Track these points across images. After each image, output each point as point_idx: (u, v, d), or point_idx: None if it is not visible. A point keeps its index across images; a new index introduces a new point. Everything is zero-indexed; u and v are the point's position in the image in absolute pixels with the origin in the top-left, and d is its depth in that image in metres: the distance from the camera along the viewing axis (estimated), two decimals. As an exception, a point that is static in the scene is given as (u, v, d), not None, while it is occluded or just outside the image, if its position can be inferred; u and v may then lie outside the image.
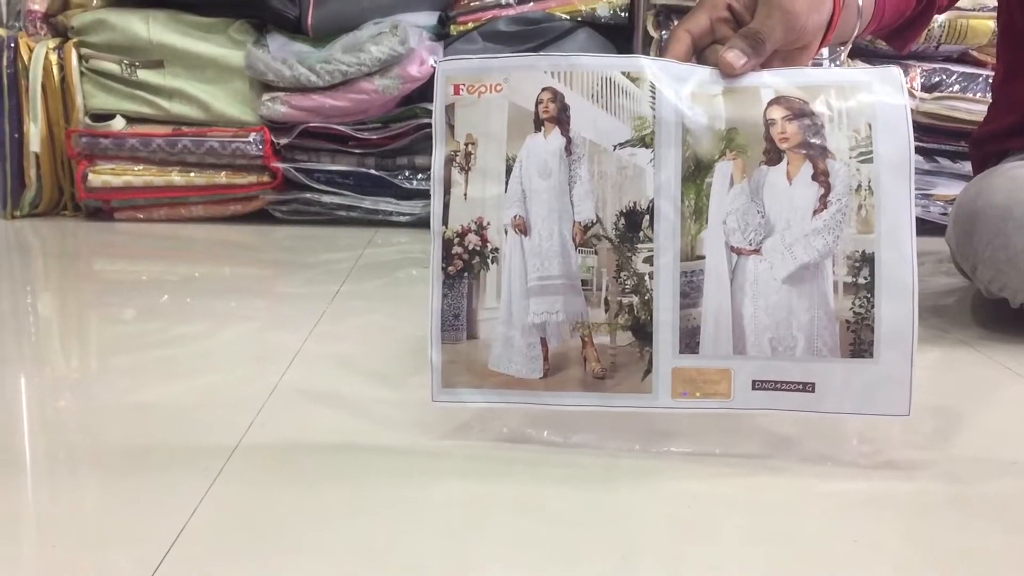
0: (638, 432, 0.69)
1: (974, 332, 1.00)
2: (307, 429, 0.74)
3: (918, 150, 1.68)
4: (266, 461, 0.67)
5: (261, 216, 1.69)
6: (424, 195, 1.65)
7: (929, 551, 0.55)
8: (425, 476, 0.65)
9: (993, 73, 1.29)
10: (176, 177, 1.65)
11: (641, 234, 0.66)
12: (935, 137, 1.68)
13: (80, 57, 1.67)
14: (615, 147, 0.66)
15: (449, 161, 0.68)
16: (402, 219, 1.66)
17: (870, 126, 0.64)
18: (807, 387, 0.64)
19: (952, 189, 1.60)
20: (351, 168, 1.66)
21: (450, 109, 0.67)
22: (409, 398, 0.80)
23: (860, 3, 0.76)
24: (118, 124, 1.66)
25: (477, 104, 0.67)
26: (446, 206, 0.68)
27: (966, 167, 1.53)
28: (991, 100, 1.26)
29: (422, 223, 1.64)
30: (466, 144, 0.68)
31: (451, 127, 0.67)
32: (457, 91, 0.67)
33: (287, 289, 1.30)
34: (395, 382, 0.86)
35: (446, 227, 0.68)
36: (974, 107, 1.64)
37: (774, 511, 0.59)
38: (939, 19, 1.65)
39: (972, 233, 0.98)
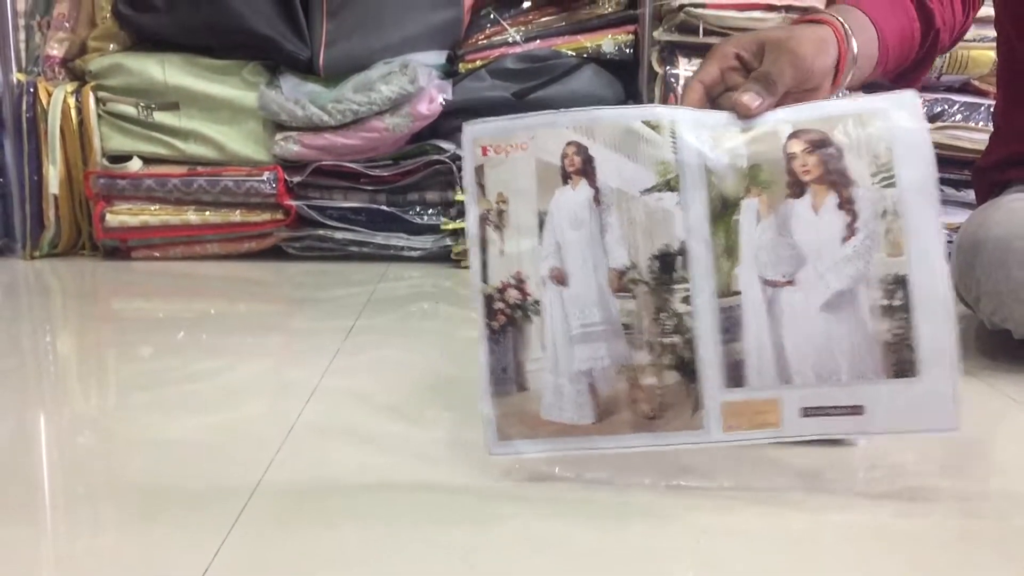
0: (650, 466, 0.71)
1: (979, 362, 1.01)
2: (326, 466, 0.75)
3: (923, 179, 1.69)
4: (287, 500, 0.69)
5: (275, 253, 1.72)
6: (435, 230, 1.68)
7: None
8: (443, 513, 0.67)
9: (994, 102, 1.31)
10: (192, 216, 1.68)
11: (676, 275, 0.68)
12: (938, 166, 1.69)
13: (97, 100, 1.70)
14: (642, 193, 0.68)
15: (483, 220, 0.70)
16: (414, 254, 1.68)
17: (890, 151, 0.66)
18: (856, 410, 0.66)
19: (957, 218, 1.61)
20: (363, 204, 1.68)
21: (480, 170, 0.70)
22: (425, 435, 0.82)
23: (855, 51, 0.78)
24: (135, 165, 1.69)
25: (505, 163, 0.69)
26: (484, 264, 0.69)
27: (970, 195, 1.54)
28: (993, 130, 1.28)
29: (434, 257, 1.67)
30: (498, 202, 0.70)
31: (482, 187, 0.70)
32: (485, 152, 0.70)
33: (302, 325, 1.32)
34: (413, 417, 0.88)
35: (486, 284, 0.69)
36: (976, 136, 1.66)
37: (784, 543, 0.61)
38: (940, 50, 1.67)
39: (974, 265, 0.99)
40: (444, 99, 1.65)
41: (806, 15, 0.81)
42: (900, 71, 0.92)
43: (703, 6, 1.63)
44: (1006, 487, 0.71)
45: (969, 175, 1.29)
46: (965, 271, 1.02)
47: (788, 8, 1.60)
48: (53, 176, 1.70)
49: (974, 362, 1.02)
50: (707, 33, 1.64)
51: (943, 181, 1.70)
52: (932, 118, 1.69)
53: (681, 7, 1.64)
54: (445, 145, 1.67)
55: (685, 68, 1.63)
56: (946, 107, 1.70)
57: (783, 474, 0.71)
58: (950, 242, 1.59)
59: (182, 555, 0.60)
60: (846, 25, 0.77)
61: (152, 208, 1.69)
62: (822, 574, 0.57)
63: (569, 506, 0.66)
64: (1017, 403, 0.89)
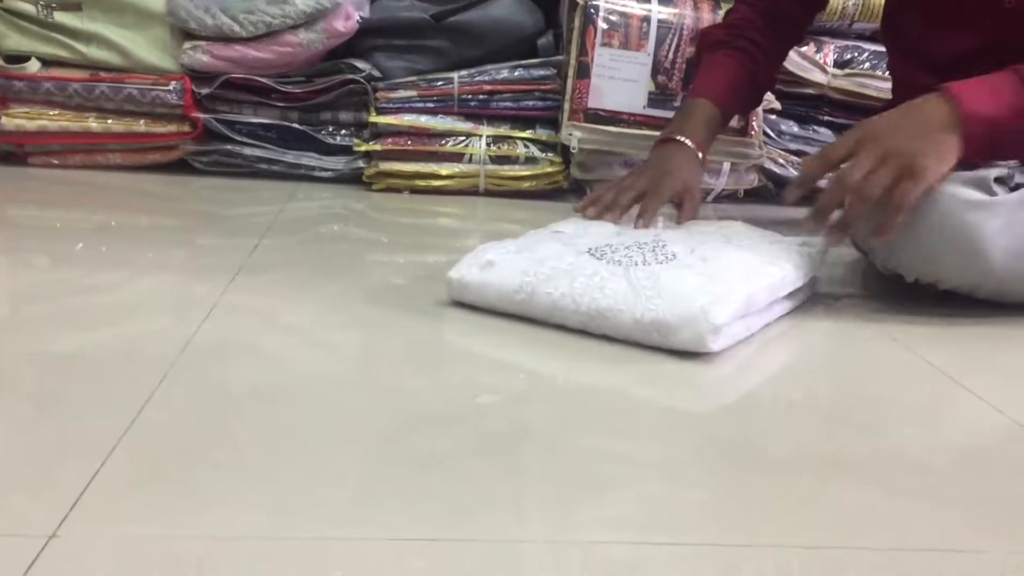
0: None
1: (869, 305, 1.06)
2: (220, 384, 0.75)
3: (829, 125, 1.74)
4: (180, 414, 0.69)
5: (180, 166, 1.67)
6: (347, 151, 1.65)
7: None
8: (342, 432, 0.68)
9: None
10: (93, 123, 1.62)
11: None
12: (845, 113, 1.73)
13: (-7, -4, 1.61)
14: None
15: None
16: (325, 174, 1.66)
17: None
18: None
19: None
20: (274, 121, 1.64)
21: None
22: (327, 356, 0.83)
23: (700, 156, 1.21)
24: (33, 67, 1.62)
25: None
26: None
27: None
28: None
29: (345, 179, 1.65)
30: None
31: None
32: None
33: (206, 240, 1.30)
34: (316, 339, 0.88)
35: None
36: (883, 84, 1.70)
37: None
38: (854, -3, 1.70)
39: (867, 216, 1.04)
40: (361, 16, 1.62)
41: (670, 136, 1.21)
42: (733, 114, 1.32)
43: (626, -63, 1.62)
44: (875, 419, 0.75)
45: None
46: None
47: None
48: (-56, 74, 1.61)
49: (866, 304, 1.06)
50: (629, -35, 1.63)
51: (849, 127, 1.76)
52: (842, 64, 1.73)
53: (604, -63, 1.63)
54: (361, 64, 1.63)
55: (605, 0, 1.62)
56: (855, 54, 1.74)
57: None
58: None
59: (71, 461, 0.60)
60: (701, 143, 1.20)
61: (51, 113, 1.62)
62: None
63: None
64: (898, 342, 0.94)
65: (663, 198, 1.13)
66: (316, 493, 0.58)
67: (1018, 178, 1.00)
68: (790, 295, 0.98)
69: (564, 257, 0.93)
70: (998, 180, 0.97)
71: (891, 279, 1.04)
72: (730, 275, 0.89)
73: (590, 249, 0.94)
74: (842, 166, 0.95)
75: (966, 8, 1.08)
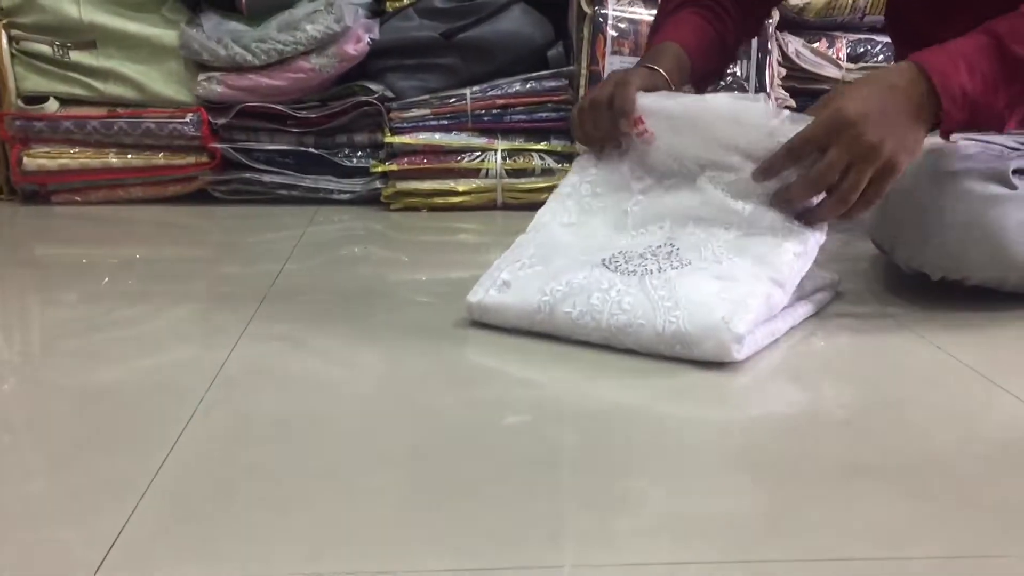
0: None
1: (890, 302, 1.05)
2: (252, 412, 0.76)
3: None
4: (213, 443, 0.69)
5: (201, 196, 1.69)
6: (364, 172, 1.66)
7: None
8: (375, 458, 0.68)
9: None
10: (113, 159, 1.64)
11: None
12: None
13: (10, 39, 1.64)
14: None
15: None
16: (343, 197, 1.67)
17: None
18: None
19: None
20: (290, 147, 1.66)
21: None
22: (356, 380, 0.83)
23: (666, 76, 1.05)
24: (52, 107, 1.64)
25: None
26: None
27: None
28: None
29: (363, 200, 1.66)
30: None
31: None
32: None
33: (230, 269, 1.30)
34: (344, 362, 0.89)
35: None
36: (897, 77, 1.69)
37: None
38: (865, -11, 1.70)
39: (885, 215, 1.03)
40: (371, 39, 1.63)
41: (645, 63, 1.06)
42: (702, 78, 1.17)
43: (631, -55, 1.62)
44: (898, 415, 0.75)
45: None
46: (879, 221, 1.06)
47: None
48: (-35, 118, 1.64)
49: (890, 303, 1.05)
50: (636, -27, 1.63)
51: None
52: (855, 58, 1.73)
53: (610, -54, 1.63)
54: (373, 86, 1.65)
55: (614, 8, 1.62)
56: (868, 47, 1.73)
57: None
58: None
59: (107, 501, 0.60)
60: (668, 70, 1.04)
61: (71, 151, 1.64)
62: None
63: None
64: (927, 341, 0.93)
65: (630, 86, 0.99)
66: (350, 525, 0.58)
67: (1036, 168, 0.99)
68: (812, 297, 0.97)
69: (578, 271, 0.92)
70: (1016, 172, 0.97)
71: (915, 277, 1.04)
72: (746, 274, 0.88)
73: (604, 260, 0.94)
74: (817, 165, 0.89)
75: None
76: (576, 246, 0.98)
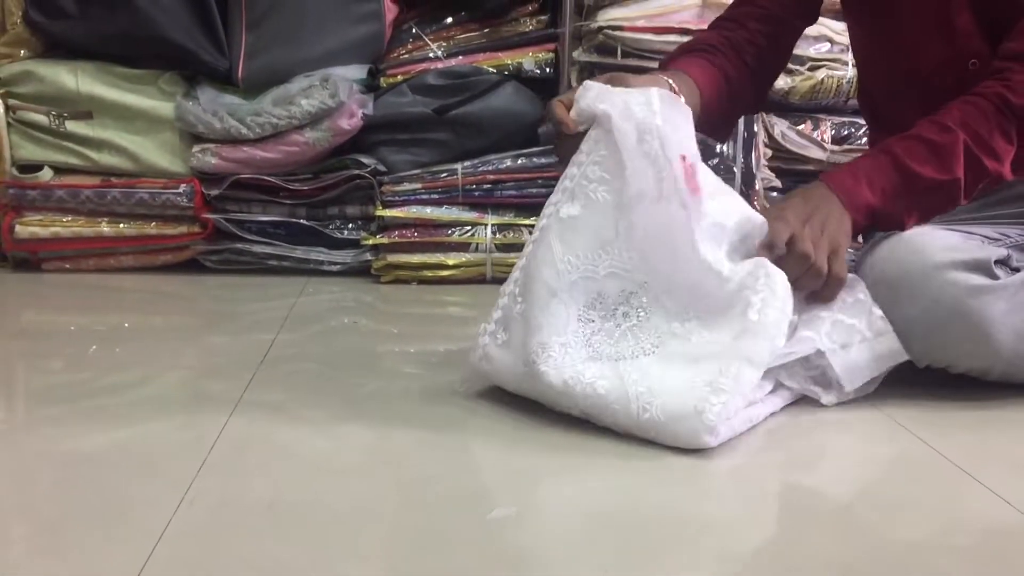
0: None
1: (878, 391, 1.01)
2: (250, 483, 0.75)
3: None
4: (203, 530, 0.67)
5: (192, 265, 1.69)
6: (355, 244, 1.67)
7: None
8: (369, 530, 0.67)
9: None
10: (105, 228, 1.65)
11: None
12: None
13: (7, 108, 1.66)
14: None
15: None
16: (334, 268, 1.68)
17: None
18: None
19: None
20: (282, 218, 1.67)
21: None
22: (345, 444, 0.83)
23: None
24: (46, 175, 1.65)
25: None
26: None
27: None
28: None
29: (353, 272, 1.67)
30: None
31: None
32: None
33: (222, 339, 1.30)
34: (336, 434, 0.88)
35: None
36: (881, 158, 1.73)
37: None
38: (848, 75, 1.74)
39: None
40: (365, 114, 1.65)
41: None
42: (713, 126, 1.18)
43: (621, 28, 1.67)
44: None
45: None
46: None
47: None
48: (-41, 185, 1.65)
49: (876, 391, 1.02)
50: (625, 55, 1.67)
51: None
52: (839, 140, 1.76)
53: (600, 29, 1.67)
54: (366, 160, 1.67)
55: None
56: (852, 130, 1.77)
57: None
58: (854, 261, 1.65)
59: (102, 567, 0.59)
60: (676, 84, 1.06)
61: (64, 219, 1.65)
62: None
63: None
64: (906, 430, 0.92)
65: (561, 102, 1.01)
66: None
67: (1016, 259, 1.00)
68: (792, 385, 0.96)
69: (556, 324, 0.91)
70: (999, 263, 0.98)
71: (900, 364, 1.01)
72: (720, 351, 0.88)
73: (581, 310, 0.93)
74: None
75: (932, 76, 1.11)
76: (559, 264, 0.97)
